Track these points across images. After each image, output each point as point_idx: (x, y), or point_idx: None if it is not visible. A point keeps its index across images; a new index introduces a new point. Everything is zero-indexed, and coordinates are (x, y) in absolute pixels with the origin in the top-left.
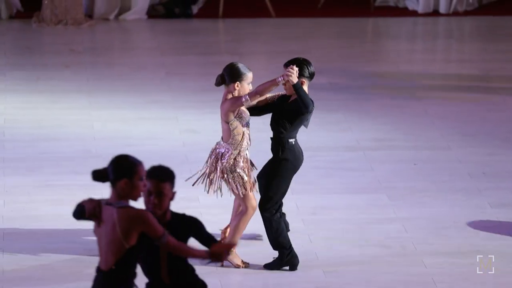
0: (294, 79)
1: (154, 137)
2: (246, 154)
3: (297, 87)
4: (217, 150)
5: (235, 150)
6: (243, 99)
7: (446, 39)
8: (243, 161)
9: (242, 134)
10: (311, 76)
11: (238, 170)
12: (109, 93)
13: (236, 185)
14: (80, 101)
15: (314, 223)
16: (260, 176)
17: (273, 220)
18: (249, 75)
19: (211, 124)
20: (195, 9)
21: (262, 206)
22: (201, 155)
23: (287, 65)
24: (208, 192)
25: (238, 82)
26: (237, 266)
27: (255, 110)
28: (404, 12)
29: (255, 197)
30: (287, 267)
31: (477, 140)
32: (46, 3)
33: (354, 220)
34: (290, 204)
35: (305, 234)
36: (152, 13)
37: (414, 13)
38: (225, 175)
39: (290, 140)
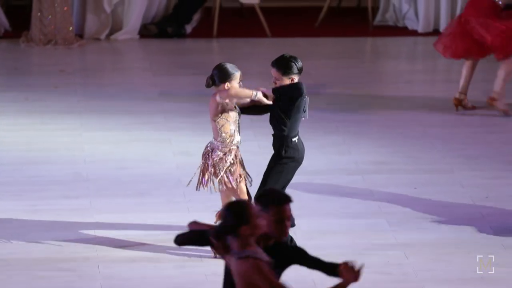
0: (268, 101)
1: (147, 160)
2: (236, 150)
3: (275, 92)
4: (208, 148)
5: (224, 147)
6: (217, 98)
7: (447, 59)
8: (233, 157)
9: (229, 131)
10: (300, 71)
11: (228, 164)
12: (100, 114)
13: (228, 179)
14: (70, 123)
15: (311, 248)
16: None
17: None
18: (237, 74)
19: (205, 146)
20: (188, 28)
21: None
22: (195, 177)
23: (273, 64)
24: (197, 188)
25: (227, 83)
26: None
27: (254, 110)
28: (404, 31)
29: (247, 189)
30: None
31: (480, 163)
32: (35, 23)
33: (353, 246)
34: None
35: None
36: (144, 32)
37: (414, 33)
38: (217, 171)
39: (294, 139)
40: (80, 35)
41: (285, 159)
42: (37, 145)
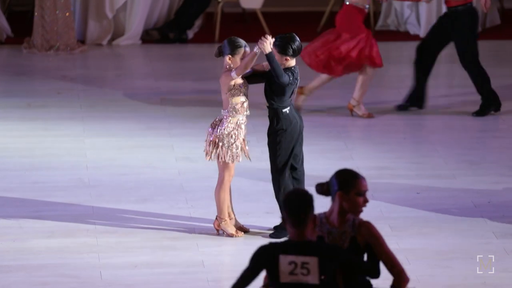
0: (267, 48)
1: (150, 166)
2: (243, 125)
3: (269, 57)
4: (217, 118)
5: (233, 117)
6: (232, 74)
7: (449, 64)
8: (240, 132)
9: (240, 103)
10: (294, 54)
11: (235, 140)
12: (103, 120)
13: (226, 153)
14: (73, 129)
15: None
16: None
17: (281, 179)
18: (242, 50)
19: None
20: (190, 34)
21: (273, 181)
22: (197, 183)
23: (275, 41)
24: (206, 157)
25: (230, 55)
26: (231, 235)
27: (253, 78)
28: (406, 36)
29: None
30: None
31: (482, 168)
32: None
33: None
34: None
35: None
36: (146, 38)
37: (415, 38)
38: (220, 142)
39: (284, 110)
40: (82, 40)
41: (279, 131)
42: (40, 151)
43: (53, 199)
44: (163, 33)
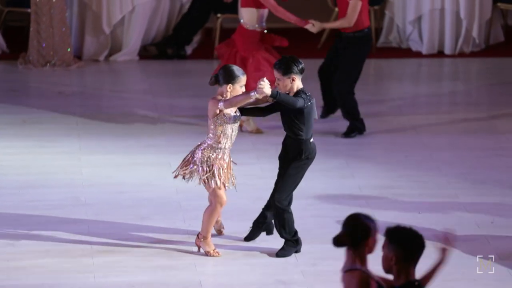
0: (268, 91)
1: (147, 184)
2: (225, 153)
3: (274, 96)
4: (199, 143)
5: (213, 144)
6: (220, 105)
7: (452, 81)
8: (220, 159)
9: (221, 132)
10: (300, 71)
11: (213, 168)
12: (99, 137)
13: (207, 179)
14: (68, 146)
15: (314, 274)
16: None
17: (285, 211)
18: (242, 78)
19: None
20: (188, 49)
21: (278, 198)
22: (195, 202)
23: (274, 65)
24: (175, 175)
25: (230, 84)
26: (207, 253)
27: (258, 111)
28: (408, 53)
29: (225, 194)
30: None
31: (486, 188)
32: (33, 43)
33: None
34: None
35: (304, 286)
36: (144, 54)
37: (418, 54)
38: (201, 165)
39: (311, 140)
40: (78, 56)
41: (304, 160)
42: (35, 168)
43: (48, 217)
44: (161, 48)
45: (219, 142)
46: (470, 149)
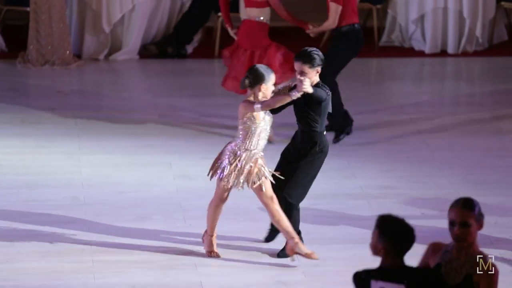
0: (310, 89)
1: (147, 184)
2: (255, 154)
3: (313, 92)
4: (229, 141)
5: (242, 144)
6: (255, 107)
7: (455, 81)
8: (250, 160)
9: (250, 133)
10: (323, 61)
11: (241, 165)
12: (99, 137)
13: (228, 174)
14: (68, 146)
15: (316, 275)
16: (289, 168)
17: (294, 207)
18: (272, 76)
19: (205, 169)
20: (189, 49)
21: (289, 194)
22: (195, 202)
23: (297, 58)
24: (210, 177)
25: (263, 84)
26: (207, 253)
27: (273, 109)
28: (410, 52)
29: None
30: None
31: (487, 189)
32: (32, 44)
33: None
34: None
35: (305, 287)
36: (144, 53)
37: (420, 54)
38: (231, 160)
39: (324, 133)
40: (78, 55)
41: (318, 153)
42: (34, 168)
43: (47, 217)
44: (162, 48)
45: (250, 143)
46: (472, 150)
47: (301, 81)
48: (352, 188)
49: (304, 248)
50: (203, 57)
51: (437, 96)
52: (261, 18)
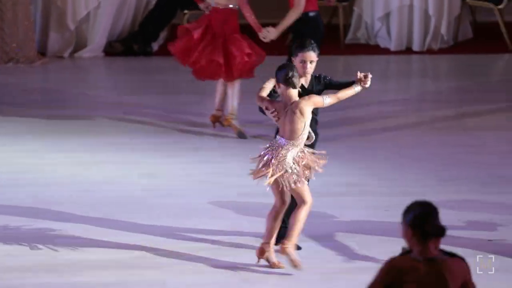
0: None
1: (111, 182)
2: (304, 147)
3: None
4: (278, 141)
5: (296, 141)
6: (325, 102)
7: (421, 78)
8: (298, 156)
9: (304, 129)
10: None
11: (289, 165)
12: (63, 135)
13: (286, 180)
14: (31, 144)
15: (279, 273)
16: None
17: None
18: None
19: (171, 168)
20: (155, 46)
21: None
22: (161, 200)
23: (307, 48)
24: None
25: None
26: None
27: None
28: (376, 49)
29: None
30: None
31: (454, 185)
32: None
33: (321, 270)
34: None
35: (270, 285)
36: (110, 50)
37: (386, 51)
38: (278, 167)
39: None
40: (42, 53)
41: (316, 143)
42: None
43: (9, 218)
44: (127, 45)
45: (302, 140)
46: (439, 146)
47: (365, 76)
48: (317, 186)
49: (273, 257)
50: (169, 54)
51: (402, 93)
52: (231, 6)
